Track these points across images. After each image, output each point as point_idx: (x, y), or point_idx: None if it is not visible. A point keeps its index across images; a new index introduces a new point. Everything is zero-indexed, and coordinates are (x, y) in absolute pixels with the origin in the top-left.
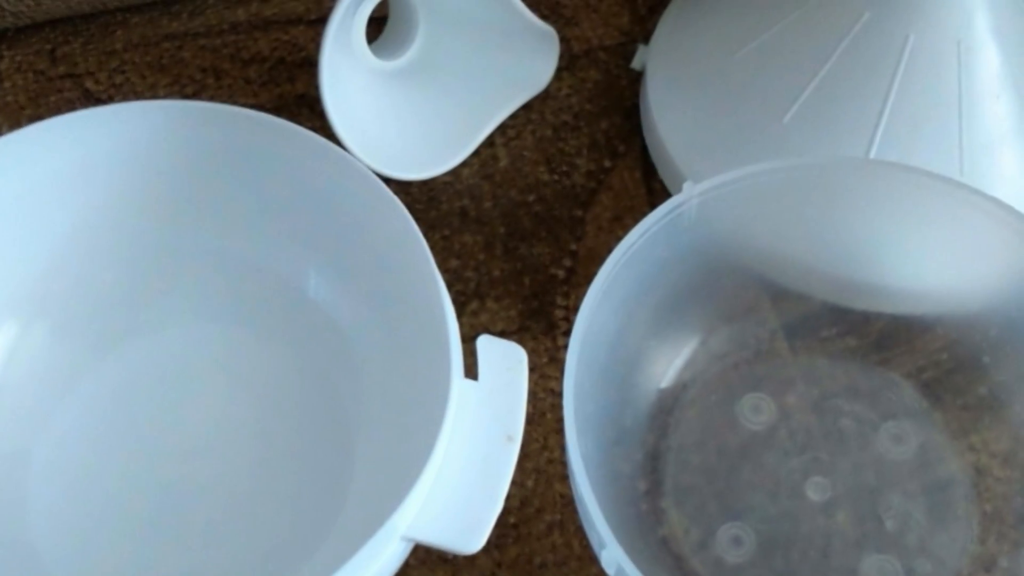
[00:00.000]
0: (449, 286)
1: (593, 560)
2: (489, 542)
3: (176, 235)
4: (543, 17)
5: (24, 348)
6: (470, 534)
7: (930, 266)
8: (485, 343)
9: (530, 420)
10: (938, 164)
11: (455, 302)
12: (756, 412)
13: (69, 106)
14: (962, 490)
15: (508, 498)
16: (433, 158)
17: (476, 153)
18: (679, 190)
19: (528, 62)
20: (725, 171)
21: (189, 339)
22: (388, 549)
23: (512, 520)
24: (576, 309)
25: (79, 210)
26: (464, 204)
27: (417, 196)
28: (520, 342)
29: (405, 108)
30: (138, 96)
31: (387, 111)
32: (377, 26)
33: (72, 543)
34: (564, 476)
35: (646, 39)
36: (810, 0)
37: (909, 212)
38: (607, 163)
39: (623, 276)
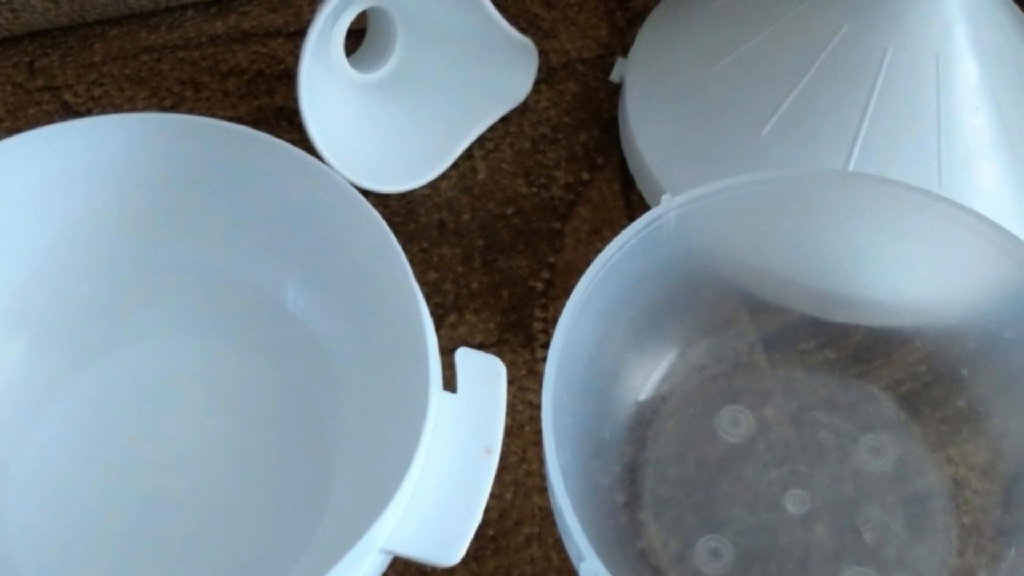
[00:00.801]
0: (428, 299)
1: (572, 573)
2: (467, 555)
3: (154, 248)
4: (521, 30)
5: (2, 361)
6: (448, 546)
7: (909, 279)
8: (464, 356)
9: (509, 432)
10: (917, 177)
11: (434, 315)
12: (734, 424)
13: (47, 119)
14: (940, 503)
15: (486, 510)
16: (411, 171)
17: (454, 166)
18: (658, 203)
19: (506, 75)
20: (704, 184)
21: (167, 352)
22: (367, 561)
23: (491, 532)
24: (554, 322)
25: (57, 223)
26: (443, 217)
27: (396, 209)
28: (499, 355)
29: (384, 121)
30: (117, 109)
31: (366, 124)
32: (356, 39)
33: (51, 556)
34: (542, 488)
35: (624, 52)
36: (788, 13)
37: (888, 225)
38: (585, 175)
39: (601, 289)
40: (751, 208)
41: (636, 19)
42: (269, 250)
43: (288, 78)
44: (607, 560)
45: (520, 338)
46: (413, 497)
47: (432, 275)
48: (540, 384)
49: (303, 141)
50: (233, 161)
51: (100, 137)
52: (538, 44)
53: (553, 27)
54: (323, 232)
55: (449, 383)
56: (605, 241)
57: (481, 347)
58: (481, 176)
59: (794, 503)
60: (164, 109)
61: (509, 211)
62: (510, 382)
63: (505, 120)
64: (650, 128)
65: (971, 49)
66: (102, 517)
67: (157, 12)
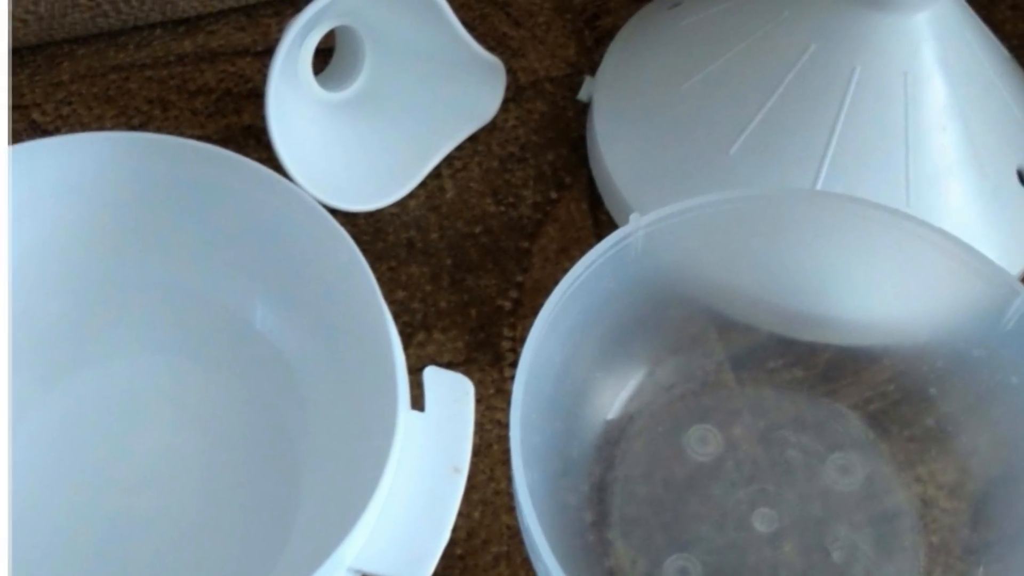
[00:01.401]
0: (396, 317)
1: None
2: (435, 573)
3: (122, 266)
4: (490, 49)
5: None
6: (417, 565)
7: (877, 297)
8: (432, 375)
9: (477, 451)
10: (885, 195)
11: (402, 333)
12: (703, 443)
13: (16, 137)
14: (908, 521)
15: (454, 529)
16: (380, 189)
17: (423, 185)
18: (625, 222)
19: (475, 94)
20: (671, 203)
21: (135, 370)
22: None
23: (459, 551)
24: (522, 341)
25: (25, 241)
26: (411, 235)
27: (364, 227)
28: (467, 373)
29: (352, 139)
30: (85, 127)
31: (334, 142)
32: (324, 57)
33: (20, 575)
34: (511, 507)
35: (592, 71)
36: (756, 32)
37: (856, 243)
38: (553, 194)
39: (569, 307)
40: (719, 227)
41: (604, 38)
42: (237, 269)
43: (256, 97)
44: None
45: (488, 357)
46: (381, 516)
47: (400, 294)
48: (508, 403)
49: (271, 160)
50: (201, 180)
51: (68, 156)
52: (506, 63)
53: (521, 46)
54: (291, 251)
55: (417, 402)
56: (573, 260)
57: (449, 366)
58: (449, 195)
59: (762, 522)
60: (132, 128)
61: (477, 230)
62: (478, 401)
63: (473, 139)
64: (618, 147)
65: (939, 68)
66: (70, 536)
67: (125, 31)
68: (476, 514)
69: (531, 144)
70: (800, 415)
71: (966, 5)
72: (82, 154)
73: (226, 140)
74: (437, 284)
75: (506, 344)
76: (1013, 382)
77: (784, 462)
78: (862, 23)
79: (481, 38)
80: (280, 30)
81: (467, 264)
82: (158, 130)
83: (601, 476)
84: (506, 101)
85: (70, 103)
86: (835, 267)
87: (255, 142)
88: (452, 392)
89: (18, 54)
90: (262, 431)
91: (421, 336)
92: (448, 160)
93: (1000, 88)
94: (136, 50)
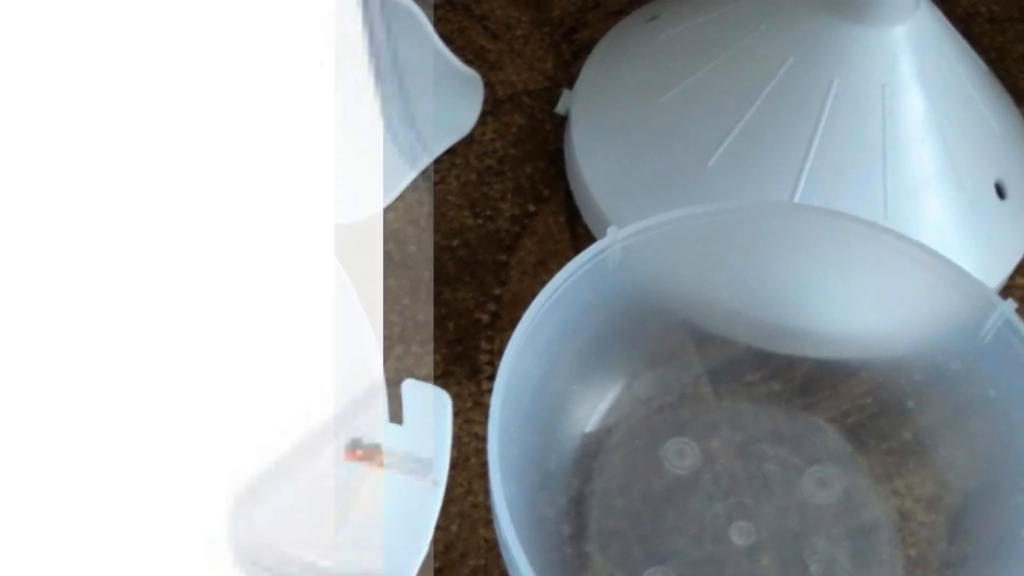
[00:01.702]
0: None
1: None
2: None
3: None
4: (467, 62)
5: None
6: None
7: (854, 310)
8: (409, 388)
9: (454, 465)
10: (862, 208)
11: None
12: (680, 456)
13: None
14: (886, 535)
15: (432, 542)
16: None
17: (401, 197)
18: (603, 234)
19: (452, 107)
20: (649, 216)
21: None
22: None
23: (436, 565)
24: (500, 354)
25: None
26: (389, 248)
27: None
28: (444, 387)
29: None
30: None
31: None
32: None
33: None
34: (488, 521)
35: (570, 84)
36: (735, 45)
37: (833, 256)
38: (531, 207)
39: (547, 320)
40: (697, 240)
41: (582, 51)
42: None
43: None
44: None
45: (466, 370)
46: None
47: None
48: (486, 416)
49: None
50: None
51: None
52: (484, 76)
53: (499, 59)
54: None
55: (395, 415)
56: (551, 273)
57: (427, 379)
58: (427, 208)
59: (740, 535)
60: None
61: (455, 243)
62: (456, 414)
63: (451, 152)
64: (596, 160)
65: (917, 81)
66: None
67: None
68: (454, 527)
69: (509, 157)
70: (778, 428)
71: (944, 18)
72: None
73: None
74: (415, 297)
75: (484, 357)
76: (991, 395)
77: (762, 475)
78: (840, 35)
79: (459, 51)
80: None
81: (445, 277)
82: None
83: (579, 489)
84: (484, 114)
85: None
86: (813, 280)
87: None
88: (430, 405)
89: None
90: None
91: (399, 349)
92: (426, 173)
93: (978, 101)
94: None
